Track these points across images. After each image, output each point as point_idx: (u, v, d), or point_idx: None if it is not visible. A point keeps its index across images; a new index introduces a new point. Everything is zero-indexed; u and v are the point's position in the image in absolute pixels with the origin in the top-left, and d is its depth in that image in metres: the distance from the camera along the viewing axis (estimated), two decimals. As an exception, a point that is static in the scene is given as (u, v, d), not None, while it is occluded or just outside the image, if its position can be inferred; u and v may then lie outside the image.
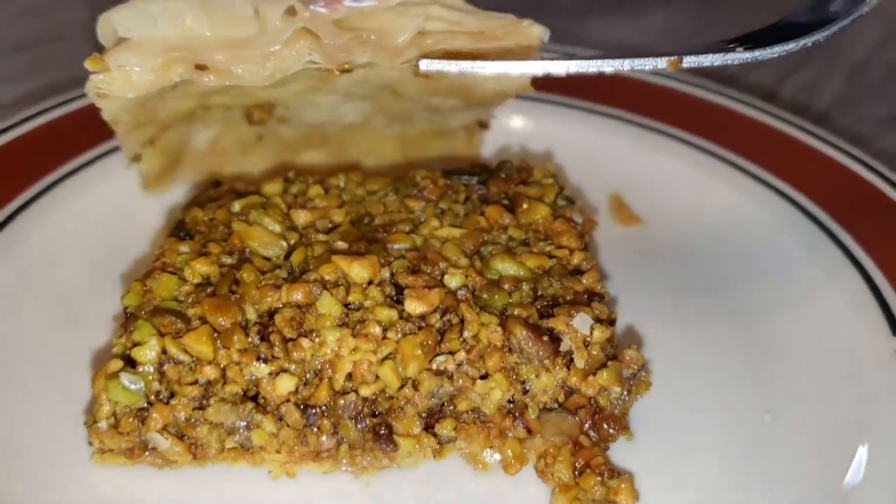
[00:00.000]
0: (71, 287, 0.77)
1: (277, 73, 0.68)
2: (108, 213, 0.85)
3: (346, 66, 0.69)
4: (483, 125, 0.94)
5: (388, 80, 0.78)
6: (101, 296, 0.76)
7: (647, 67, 0.66)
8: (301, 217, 0.73)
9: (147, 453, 0.63)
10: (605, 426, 0.64)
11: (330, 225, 0.74)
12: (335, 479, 0.63)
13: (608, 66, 0.67)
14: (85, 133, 0.90)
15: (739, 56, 0.66)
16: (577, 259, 0.70)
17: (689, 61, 0.66)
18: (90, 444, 0.63)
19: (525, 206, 0.74)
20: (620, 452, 0.65)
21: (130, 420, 0.61)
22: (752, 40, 0.67)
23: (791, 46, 0.67)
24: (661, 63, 0.66)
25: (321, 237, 0.71)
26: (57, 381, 0.69)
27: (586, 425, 0.64)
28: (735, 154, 0.93)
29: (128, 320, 0.65)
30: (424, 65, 0.68)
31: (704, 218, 0.88)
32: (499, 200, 0.76)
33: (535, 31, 0.73)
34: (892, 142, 1.10)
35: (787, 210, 0.86)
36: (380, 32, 0.70)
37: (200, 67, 0.68)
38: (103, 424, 0.61)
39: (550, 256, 0.70)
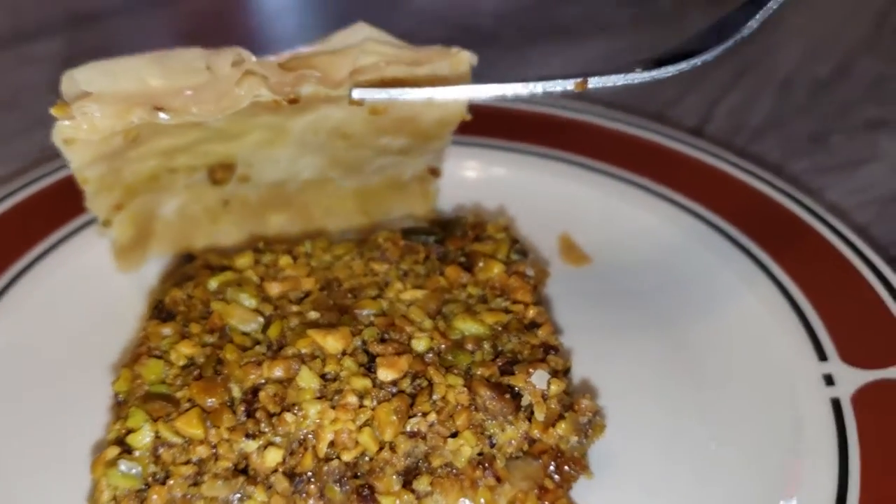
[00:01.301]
0: (56, 373, 0.81)
1: (229, 108, 0.75)
2: (80, 293, 0.89)
3: (293, 96, 0.77)
4: (434, 172, 1.00)
5: (336, 122, 0.85)
6: (87, 379, 0.80)
7: (557, 89, 0.75)
8: (274, 289, 0.79)
9: (148, 531, 0.68)
10: (567, 468, 0.70)
11: (301, 294, 0.79)
12: (324, 538, 0.69)
13: (523, 89, 0.75)
14: (48, 215, 0.95)
15: (639, 76, 0.75)
16: (531, 313, 0.76)
17: (594, 82, 0.75)
18: (94, 525, 0.68)
19: (481, 264, 0.80)
20: (582, 491, 0.71)
21: (131, 502, 0.66)
22: (655, 63, 0.75)
23: (683, 66, 0.75)
24: (570, 84, 0.74)
25: (294, 308, 0.77)
26: (56, 469, 0.73)
27: (550, 468, 0.70)
28: (667, 188, 1.00)
29: (120, 406, 0.70)
30: (357, 93, 0.77)
31: (646, 251, 0.95)
32: (456, 259, 0.82)
33: (463, 57, 0.81)
34: (820, 158, 1.18)
35: (719, 241, 0.93)
36: (322, 70, 0.78)
37: (158, 108, 0.74)
38: (105, 508, 0.66)
39: (507, 311, 0.76)
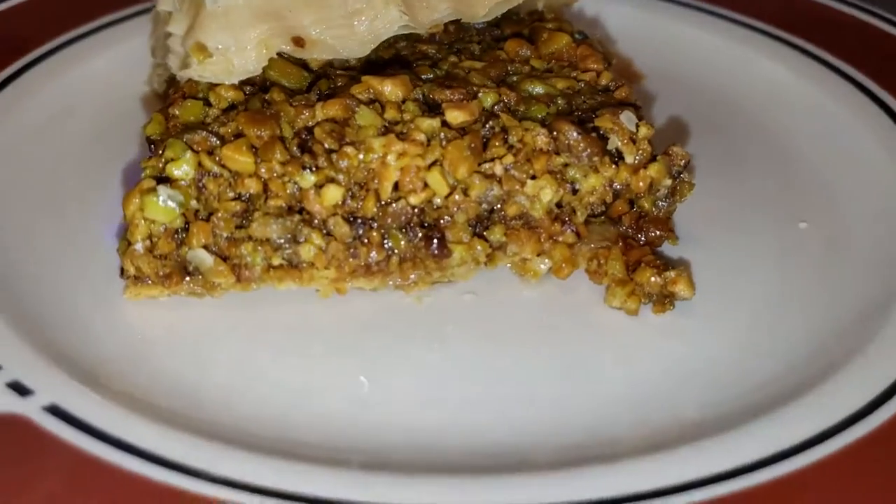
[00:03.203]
0: (90, 134, 0.75)
1: (369, 42, 0.67)
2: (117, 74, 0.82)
3: (433, 29, 0.70)
4: None
5: None
6: (120, 144, 0.73)
7: None
8: (316, 62, 0.71)
9: (186, 279, 0.59)
10: (651, 231, 0.63)
11: (346, 65, 0.71)
12: (386, 296, 0.62)
13: None
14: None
15: None
16: (605, 79, 0.69)
17: None
18: (123, 274, 0.60)
19: (545, 36, 0.73)
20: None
21: (168, 240, 0.58)
22: None
23: None
24: None
25: (340, 72, 0.69)
26: (83, 223, 0.67)
27: (631, 230, 0.63)
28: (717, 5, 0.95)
29: (155, 145, 0.61)
30: None
31: (705, 65, 0.89)
32: (514, 37, 0.75)
33: None
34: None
35: (779, 48, 0.88)
36: None
37: (298, 43, 0.65)
38: (139, 247, 0.58)
39: (578, 80, 0.69)
